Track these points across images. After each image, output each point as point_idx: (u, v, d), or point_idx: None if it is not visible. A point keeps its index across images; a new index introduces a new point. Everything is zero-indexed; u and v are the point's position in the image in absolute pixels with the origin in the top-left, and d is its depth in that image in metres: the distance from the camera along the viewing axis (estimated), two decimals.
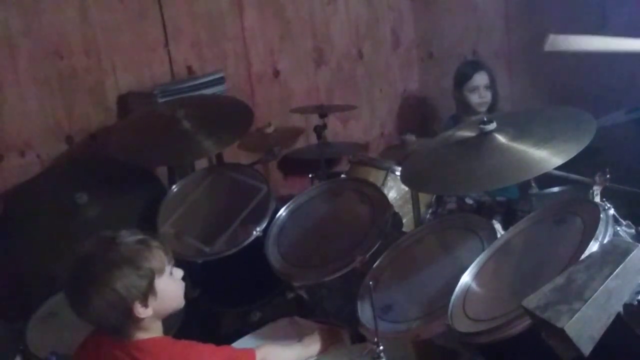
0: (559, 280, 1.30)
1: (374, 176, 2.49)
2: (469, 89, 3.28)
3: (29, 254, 2.42)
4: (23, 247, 2.43)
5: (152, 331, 1.62)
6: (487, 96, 3.27)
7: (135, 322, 1.56)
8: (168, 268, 1.62)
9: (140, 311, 1.54)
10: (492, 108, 3.27)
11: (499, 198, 2.69)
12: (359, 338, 1.87)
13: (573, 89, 3.24)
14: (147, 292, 1.55)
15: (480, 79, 3.27)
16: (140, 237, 1.60)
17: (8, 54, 2.60)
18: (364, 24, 3.75)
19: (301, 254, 2.14)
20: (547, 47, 1.82)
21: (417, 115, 4.07)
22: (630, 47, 1.84)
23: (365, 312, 1.83)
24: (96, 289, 1.51)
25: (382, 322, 1.71)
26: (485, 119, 1.91)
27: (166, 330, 1.72)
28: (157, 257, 1.59)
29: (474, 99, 3.27)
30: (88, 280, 1.53)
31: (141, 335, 1.59)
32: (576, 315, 1.19)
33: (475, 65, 3.35)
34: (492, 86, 3.29)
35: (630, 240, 1.54)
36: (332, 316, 2.07)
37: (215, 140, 2.52)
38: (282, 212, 2.30)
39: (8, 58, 2.60)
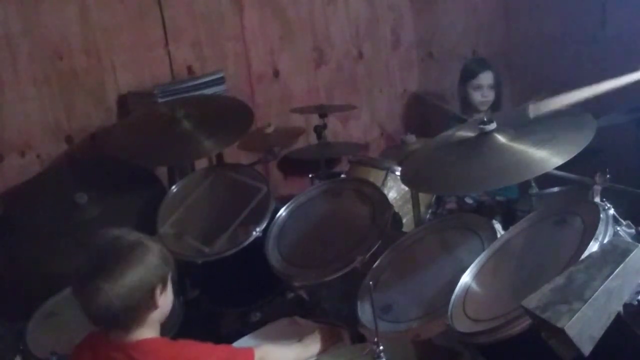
0: (559, 280, 1.30)
1: (374, 176, 2.49)
2: (473, 87, 3.30)
3: (29, 254, 2.41)
4: (23, 247, 2.43)
5: (151, 332, 1.63)
6: (490, 95, 3.29)
7: (142, 316, 1.57)
8: (170, 276, 1.66)
9: (158, 298, 1.58)
10: (495, 107, 3.29)
11: (499, 198, 2.69)
12: (359, 338, 1.87)
13: (573, 89, 3.24)
14: (166, 282, 1.61)
15: (485, 78, 3.29)
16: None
17: (8, 54, 2.60)
18: (364, 24, 3.74)
19: (301, 254, 2.14)
20: (532, 114, 1.85)
21: (417, 115, 4.07)
22: (609, 86, 1.87)
23: (365, 312, 1.83)
24: (122, 268, 1.53)
25: (382, 322, 1.71)
26: (485, 119, 1.91)
27: (166, 331, 1.73)
28: (170, 260, 1.65)
29: (476, 97, 3.29)
30: (115, 260, 1.54)
31: (140, 335, 1.60)
32: (576, 315, 1.19)
33: (482, 64, 3.36)
34: (496, 86, 3.30)
35: (630, 240, 1.55)
36: (332, 316, 2.07)
37: (215, 140, 2.52)
38: (282, 212, 2.30)
39: (8, 58, 2.60)
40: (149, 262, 1.58)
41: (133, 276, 1.53)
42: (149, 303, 1.58)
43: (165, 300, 1.63)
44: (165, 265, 1.62)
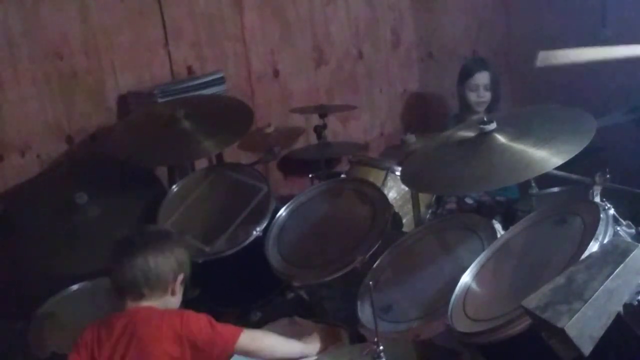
0: (559, 280, 1.30)
1: (374, 176, 2.49)
2: (469, 87, 3.30)
3: (29, 254, 2.41)
4: (23, 247, 2.43)
5: None
6: (486, 96, 3.28)
7: (161, 292, 1.75)
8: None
9: (178, 286, 1.78)
10: (491, 108, 3.28)
11: (499, 198, 2.69)
12: (359, 338, 1.87)
13: (573, 89, 3.24)
14: (185, 279, 1.81)
15: (481, 78, 3.28)
16: None
17: (8, 54, 2.60)
18: (364, 24, 3.74)
19: (301, 254, 2.14)
20: (539, 63, 1.84)
21: (417, 115, 4.07)
22: (619, 54, 1.85)
23: (365, 312, 1.83)
24: (167, 245, 1.78)
25: (382, 322, 1.71)
26: (485, 119, 1.91)
27: None
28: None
29: (472, 97, 3.29)
30: (158, 241, 1.78)
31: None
32: (576, 315, 1.19)
33: (479, 64, 3.35)
34: (492, 87, 3.30)
35: (630, 240, 1.54)
36: (332, 316, 2.07)
37: (215, 140, 2.52)
38: (282, 212, 2.30)
39: (8, 58, 2.60)
40: (185, 251, 1.84)
41: (173, 255, 1.77)
42: (171, 284, 1.76)
43: (179, 293, 1.80)
44: (189, 262, 1.84)
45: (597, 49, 1.87)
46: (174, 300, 1.80)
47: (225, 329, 1.75)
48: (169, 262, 1.76)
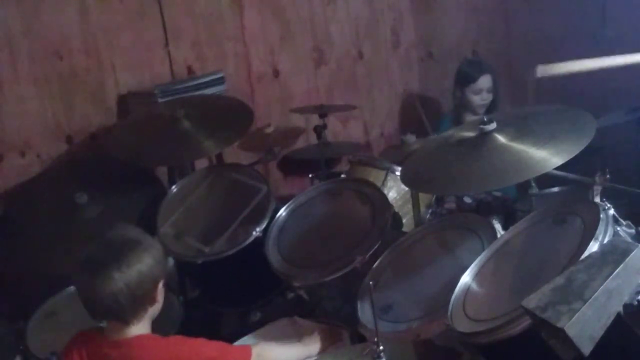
0: (559, 280, 1.30)
1: (374, 176, 2.49)
2: (472, 91, 3.28)
3: (29, 254, 2.41)
4: (23, 247, 2.43)
5: (146, 329, 1.67)
6: (489, 98, 3.29)
7: (143, 309, 1.62)
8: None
9: (159, 293, 1.66)
10: (492, 109, 3.28)
11: (495, 193, 2.69)
12: (359, 338, 1.87)
13: (573, 89, 3.23)
14: (163, 278, 1.68)
15: (485, 81, 3.27)
16: None
17: (8, 54, 2.60)
18: (364, 24, 3.75)
19: (301, 254, 2.14)
20: (539, 74, 1.83)
21: (417, 115, 4.06)
22: (617, 62, 1.85)
23: (365, 312, 1.83)
24: (133, 258, 1.59)
25: (382, 322, 1.71)
26: (485, 119, 1.91)
27: (166, 331, 1.73)
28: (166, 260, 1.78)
29: (476, 100, 3.28)
30: (126, 251, 1.60)
31: (135, 331, 1.63)
32: (576, 315, 1.19)
33: (480, 68, 3.33)
34: (494, 88, 3.30)
35: (630, 240, 1.55)
36: (332, 316, 2.07)
37: (215, 140, 2.52)
38: (282, 212, 2.30)
39: (8, 58, 2.60)
40: (156, 255, 1.66)
41: (142, 266, 1.60)
42: (152, 296, 1.64)
43: (161, 297, 1.70)
44: (165, 263, 1.73)
45: (595, 59, 1.86)
46: (157, 307, 1.69)
47: (236, 354, 1.74)
48: (144, 274, 1.60)
